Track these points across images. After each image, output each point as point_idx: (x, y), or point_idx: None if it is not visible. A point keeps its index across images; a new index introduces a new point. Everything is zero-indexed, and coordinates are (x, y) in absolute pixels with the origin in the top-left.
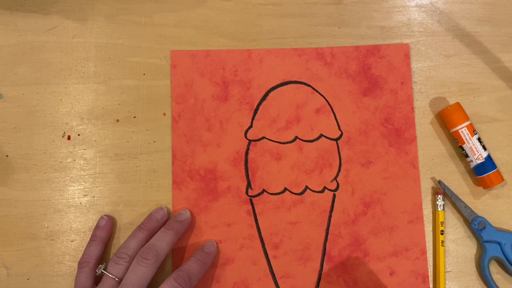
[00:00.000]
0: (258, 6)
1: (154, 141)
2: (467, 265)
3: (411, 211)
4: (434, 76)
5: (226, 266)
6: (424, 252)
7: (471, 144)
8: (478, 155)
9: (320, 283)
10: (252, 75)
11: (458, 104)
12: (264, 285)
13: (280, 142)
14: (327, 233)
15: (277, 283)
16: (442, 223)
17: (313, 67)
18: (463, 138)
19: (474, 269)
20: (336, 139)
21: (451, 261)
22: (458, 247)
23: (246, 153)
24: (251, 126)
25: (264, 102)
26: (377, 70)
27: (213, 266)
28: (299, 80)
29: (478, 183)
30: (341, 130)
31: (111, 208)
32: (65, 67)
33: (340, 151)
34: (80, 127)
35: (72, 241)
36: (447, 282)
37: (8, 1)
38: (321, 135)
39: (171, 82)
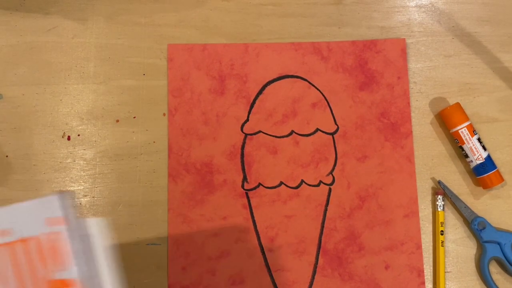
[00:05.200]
0: (258, 6)
1: (154, 142)
2: (467, 265)
3: (407, 205)
4: (434, 76)
5: (221, 259)
6: (419, 247)
7: (471, 144)
8: (478, 155)
9: (315, 277)
10: (248, 69)
11: (458, 104)
12: (260, 278)
13: (276, 136)
14: (322, 226)
15: (272, 276)
16: (442, 223)
17: (310, 61)
18: (463, 138)
19: (474, 269)
20: (332, 133)
21: (451, 261)
22: (458, 247)
23: (242, 147)
24: (247, 120)
25: (260, 96)
26: (373, 65)
27: (209, 259)
28: (295, 74)
29: (478, 183)
30: (337, 125)
31: (111, 208)
32: (65, 67)
33: (336, 145)
34: (80, 127)
35: None
36: (447, 282)
37: (8, 1)
38: (317, 129)
39: (167, 75)
